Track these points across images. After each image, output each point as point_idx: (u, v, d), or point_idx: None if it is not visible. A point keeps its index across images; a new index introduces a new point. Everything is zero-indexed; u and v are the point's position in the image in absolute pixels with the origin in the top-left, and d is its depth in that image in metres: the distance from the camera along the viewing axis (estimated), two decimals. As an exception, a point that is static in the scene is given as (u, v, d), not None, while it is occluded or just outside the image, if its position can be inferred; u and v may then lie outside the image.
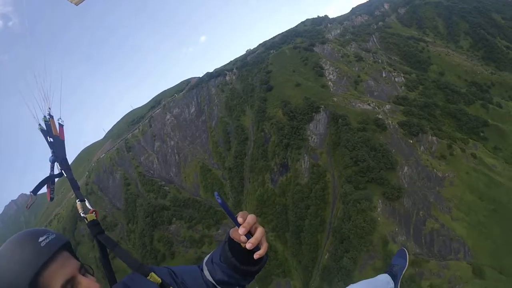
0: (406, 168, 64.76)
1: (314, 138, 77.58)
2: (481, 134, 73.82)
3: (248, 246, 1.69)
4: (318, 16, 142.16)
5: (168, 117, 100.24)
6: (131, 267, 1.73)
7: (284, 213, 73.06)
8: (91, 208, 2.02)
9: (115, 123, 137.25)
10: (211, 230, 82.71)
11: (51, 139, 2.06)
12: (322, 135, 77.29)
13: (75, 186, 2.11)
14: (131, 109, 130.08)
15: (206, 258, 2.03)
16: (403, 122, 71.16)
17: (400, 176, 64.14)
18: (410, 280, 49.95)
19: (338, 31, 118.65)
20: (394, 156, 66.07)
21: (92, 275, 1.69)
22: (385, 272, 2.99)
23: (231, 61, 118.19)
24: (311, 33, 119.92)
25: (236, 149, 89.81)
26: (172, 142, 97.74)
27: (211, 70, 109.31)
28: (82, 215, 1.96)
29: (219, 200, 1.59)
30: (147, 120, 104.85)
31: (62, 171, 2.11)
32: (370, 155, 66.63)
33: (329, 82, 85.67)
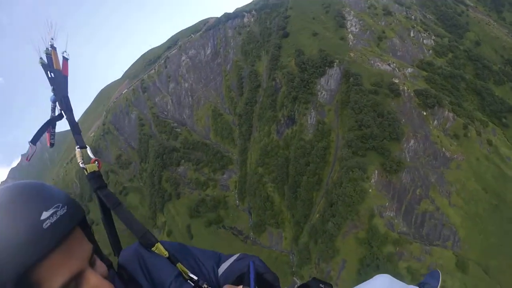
0: (412, 141, 59.21)
1: (324, 94, 73.08)
2: (504, 119, 65.20)
3: None
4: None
5: (183, 58, 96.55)
6: (134, 234, 1.44)
7: (285, 166, 72.48)
8: (93, 157, 1.62)
9: (132, 63, 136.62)
10: (217, 174, 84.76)
11: (52, 74, 1.66)
12: (333, 92, 72.40)
13: (75, 130, 1.71)
14: (150, 48, 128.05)
15: (221, 271, 1.62)
16: (420, 91, 63.21)
17: (404, 148, 59.05)
18: (387, 259, 48.76)
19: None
20: (402, 126, 60.08)
21: (102, 259, 1.34)
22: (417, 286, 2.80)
23: (253, 0, 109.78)
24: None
25: (247, 95, 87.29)
26: (187, 84, 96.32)
27: (231, 10, 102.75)
28: (81, 165, 1.58)
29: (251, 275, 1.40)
30: (162, 61, 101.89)
31: (62, 111, 1.69)
32: (376, 122, 60.99)
33: (349, 35, 76.64)
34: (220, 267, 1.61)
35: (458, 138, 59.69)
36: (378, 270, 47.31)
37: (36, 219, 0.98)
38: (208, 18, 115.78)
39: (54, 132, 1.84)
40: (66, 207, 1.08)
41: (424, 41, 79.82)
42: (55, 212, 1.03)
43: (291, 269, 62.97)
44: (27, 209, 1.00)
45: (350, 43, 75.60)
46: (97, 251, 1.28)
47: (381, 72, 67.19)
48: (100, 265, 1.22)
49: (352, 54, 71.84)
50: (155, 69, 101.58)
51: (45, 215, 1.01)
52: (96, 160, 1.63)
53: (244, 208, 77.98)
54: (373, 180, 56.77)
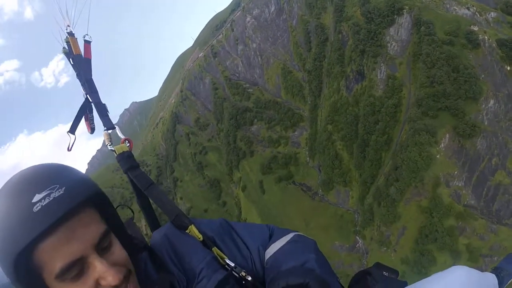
0: (492, 101, 51.40)
1: (394, 45, 66.75)
2: None
3: None
4: None
5: (248, 19, 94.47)
6: (166, 215, 1.40)
7: (354, 124, 70.62)
8: (123, 137, 1.52)
9: (201, 29, 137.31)
10: (288, 132, 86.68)
11: (73, 60, 1.70)
12: (404, 43, 65.50)
13: (101, 112, 1.66)
14: (215, 13, 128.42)
15: (269, 254, 1.36)
16: (504, 41, 52.62)
17: (482, 110, 51.80)
18: (446, 233, 46.26)
19: None
20: (481, 83, 52.08)
21: (126, 242, 1.21)
22: (492, 272, 2.51)
23: None
24: None
25: (315, 50, 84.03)
26: (254, 45, 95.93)
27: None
28: (109, 147, 1.51)
29: None
30: (229, 24, 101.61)
31: (86, 95, 1.68)
32: (450, 78, 53.91)
33: None
34: (269, 248, 1.38)
35: (550, 98, 49.61)
36: (436, 242, 45.91)
37: (27, 202, 0.93)
38: None
39: (93, 116, 1.85)
40: (64, 188, 0.98)
41: None
42: (48, 194, 0.94)
43: (355, 228, 64.17)
44: (19, 192, 0.96)
45: None
46: (119, 233, 1.18)
47: (458, 19, 57.71)
48: (118, 251, 1.09)
49: (424, -1, 63.50)
50: (222, 34, 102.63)
51: (37, 197, 0.93)
52: (126, 139, 1.55)
53: (314, 165, 79.62)
54: (442, 145, 52.29)
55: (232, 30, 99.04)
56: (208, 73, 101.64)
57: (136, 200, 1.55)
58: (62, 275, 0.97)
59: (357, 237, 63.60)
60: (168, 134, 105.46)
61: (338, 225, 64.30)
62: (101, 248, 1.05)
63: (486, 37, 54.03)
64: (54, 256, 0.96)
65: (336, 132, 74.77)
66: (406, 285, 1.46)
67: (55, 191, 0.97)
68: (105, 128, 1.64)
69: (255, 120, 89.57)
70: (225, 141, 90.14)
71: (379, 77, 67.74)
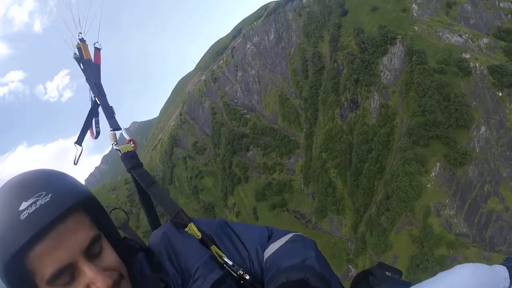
0: (483, 128, 50.17)
1: (387, 74, 66.43)
2: None
3: None
4: None
5: (248, 46, 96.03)
6: (167, 213, 1.42)
7: (348, 152, 69.52)
8: (128, 138, 1.62)
9: (203, 54, 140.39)
10: (283, 159, 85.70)
11: (83, 65, 1.80)
12: (397, 72, 65.14)
13: (108, 114, 1.75)
14: (217, 40, 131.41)
15: (268, 254, 1.35)
16: (495, 67, 52.02)
17: (474, 137, 50.57)
18: (437, 262, 43.60)
19: None
20: (472, 111, 51.08)
21: (119, 245, 1.23)
22: (503, 265, 2.12)
23: None
24: None
25: (312, 78, 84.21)
26: (253, 71, 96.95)
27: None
28: (114, 147, 1.60)
29: None
30: (229, 51, 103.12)
31: (95, 97, 1.77)
32: (441, 106, 53.05)
33: (413, 5, 66.61)
34: (268, 248, 1.37)
35: (542, 124, 48.10)
36: (427, 272, 43.58)
37: (14, 210, 0.94)
38: (268, 3, 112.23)
39: (98, 120, 1.88)
40: (50, 195, 0.98)
41: (501, 4, 65.23)
42: (34, 202, 0.95)
43: (347, 256, 61.94)
44: (8, 200, 0.97)
45: (414, 14, 65.79)
46: (110, 237, 1.18)
47: (450, 47, 57.18)
48: (108, 256, 1.10)
49: (416, 28, 62.83)
50: (223, 59, 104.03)
51: (24, 205, 0.95)
52: (131, 140, 1.61)
53: (309, 193, 78.04)
54: (433, 174, 50.64)
55: (233, 56, 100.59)
56: (208, 97, 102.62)
57: (138, 198, 1.63)
58: (53, 281, 0.98)
59: (350, 266, 61.23)
60: (166, 156, 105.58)
61: (331, 253, 61.99)
62: (91, 254, 1.05)
63: (477, 64, 53.30)
64: (44, 263, 0.96)
65: (330, 160, 73.70)
66: (410, 285, 1.44)
67: (41, 198, 0.97)
68: (112, 129, 1.70)
69: (251, 146, 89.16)
70: (221, 166, 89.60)
71: (372, 106, 67.20)
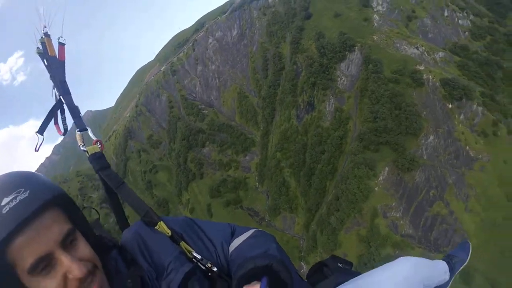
0: (432, 137, 53.10)
1: (344, 80, 68.68)
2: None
3: None
4: None
5: (210, 40, 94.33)
6: (137, 212, 1.51)
7: (302, 152, 70.95)
8: (95, 139, 1.66)
9: (163, 45, 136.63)
10: (239, 156, 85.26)
11: (47, 61, 1.75)
12: (354, 78, 67.53)
13: (74, 114, 1.75)
14: (179, 31, 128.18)
15: (233, 248, 1.50)
16: (447, 80, 55.37)
17: (422, 145, 53.30)
18: (383, 261, 45.78)
19: None
20: (422, 120, 54.01)
21: (91, 240, 1.31)
22: (443, 260, 2.71)
23: None
24: None
25: (271, 78, 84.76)
26: (214, 66, 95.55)
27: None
28: (82, 148, 1.62)
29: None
30: (191, 44, 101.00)
31: (60, 96, 1.75)
32: (393, 114, 55.53)
33: (374, 15, 68.49)
34: (232, 242, 1.50)
35: (486, 136, 52.31)
36: None
37: None
38: None
39: (65, 117, 1.86)
40: (28, 191, 1.08)
41: (460, 21, 69.40)
42: (15, 197, 1.05)
43: (300, 254, 63.42)
44: None
45: (375, 24, 68.76)
46: (84, 232, 1.25)
47: (406, 58, 60.07)
48: (82, 247, 1.18)
49: (375, 37, 65.61)
50: (183, 52, 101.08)
51: (5, 201, 1.04)
52: (97, 141, 1.62)
53: (263, 191, 78.50)
54: (381, 178, 52.82)
55: (194, 49, 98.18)
56: (165, 90, 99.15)
57: (106, 199, 1.64)
58: (33, 270, 1.07)
59: (302, 263, 62.68)
60: (120, 149, 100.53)
61: (284, 250, 62.99)
62: (67, 245, 1.15)
63: (430, 76, 56.37)
64: (23, 254, 1.06)
65: (284, 159, 74.78)
66: (360, 274, 1.62)
67: (21, 194, 1.09)
68: (78, 130, 1.70)
69: (208, 142, 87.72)
70: (176, 161, 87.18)
71: (327, 109, 69.09)
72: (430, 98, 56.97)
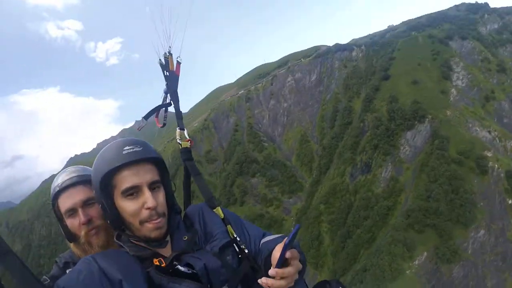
0: (482, 231, 47.41)
1: (407, 150, 64.68)
2: None
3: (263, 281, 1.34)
4: (476, 2, 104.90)
5: (289, 79, 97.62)
6: (203, 196, 1.92)
7: (346, 212, 67.56)
8: (188, 137, 2.13)
9: (246, 71, 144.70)
10: (284, 196, 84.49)
11: (167, 73, 2.20)
12: (417, 149, 63.37)
13: (178, 116, 2.25)
14: (263, 63, 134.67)
15: (263, 240, 1.81)
16: None
17: (470, 237, 47.79)
18: None
19: (496, 26, 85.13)
20: (477, 211, 48.59)
21: (167, 193, 1.66)
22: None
23: (369, 34, 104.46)
24: (462, 21, 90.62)
25: (336, 130, 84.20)
26: (286, 104, 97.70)
27: (345, 41, 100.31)
28: (178, 141, 2.10)
29: (294, 230, 1.27)
30: (270, 77, 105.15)
31: (171, 101, 2.21)
32: (447, 198, 50.85)
33: (453, 89, 65.39)
34: (264, 239, 1.83)
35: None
36: None
37: (120, 149, 1.51)
38: (321, 46, 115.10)
39: (167, 115, 2.37)
40: (142, 148, 1.54)
41: None
42: (132, 148, 1.51)
43: (311, 315, 59.15)
44: (119, 144, 1.55)
45: (451, 98, 64.18)
46: (165, 188, 1.63)
47: (475, 140, 54.89)
48: (160, 196, 1.57)
49: (448, 112, 61.31)
50: (262, 83, 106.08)
51: (127, 148, 1.51)
52: (190, 140, 2.11)
53: (296, 238, 76.19)
54: (416, 262, 47.50)
55: (271, 84, 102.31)
56: (236, 113, 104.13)
57: (183, 181, 2.13)
58: (125, 192, 1.48)
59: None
60: (177, 153, 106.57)
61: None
62: (152, 188, 1.54)
63: (496, 165, 50.88)
64: (124, 180, 1.49)
65: (326, 213, 71.86)
66: None
67: (137, 147, 1.54)
68: (178, 127, 2.15)
69: (258, 174, 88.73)
70: (224, 181, 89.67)
71: (383, 175, 65.56)
72: (491, 189, 50.83)
